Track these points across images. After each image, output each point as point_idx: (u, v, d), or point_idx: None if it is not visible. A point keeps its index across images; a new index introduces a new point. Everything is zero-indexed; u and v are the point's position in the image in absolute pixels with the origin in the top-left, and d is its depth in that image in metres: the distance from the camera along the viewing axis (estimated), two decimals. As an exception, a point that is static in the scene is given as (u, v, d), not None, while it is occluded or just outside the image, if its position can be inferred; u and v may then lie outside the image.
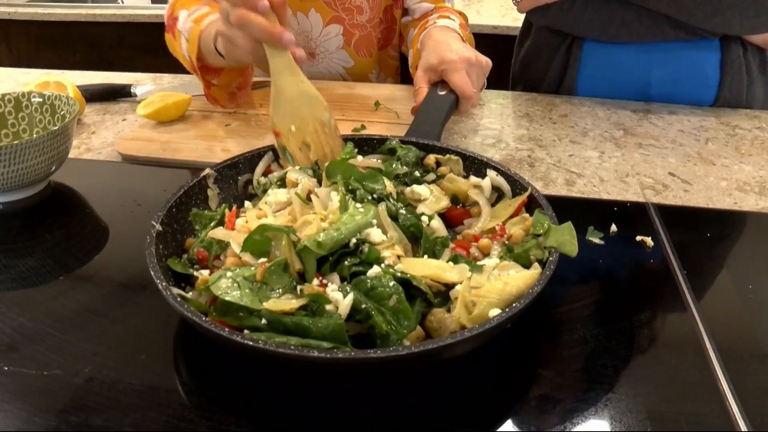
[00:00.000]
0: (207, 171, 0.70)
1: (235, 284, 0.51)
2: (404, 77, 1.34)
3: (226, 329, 0.46)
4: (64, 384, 0.50)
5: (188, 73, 1.24)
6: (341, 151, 0.75)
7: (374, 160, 0.71)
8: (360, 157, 0.73)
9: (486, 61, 0.95)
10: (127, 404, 0.49)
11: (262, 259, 0.55)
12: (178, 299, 0.50)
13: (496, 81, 1.16)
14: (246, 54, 0.77)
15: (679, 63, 1.13)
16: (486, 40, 2.08)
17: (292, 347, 0.45)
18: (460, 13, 1.20)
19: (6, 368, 0.51)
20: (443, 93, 0.90)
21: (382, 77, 1.32)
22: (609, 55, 1.16)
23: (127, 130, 0.99)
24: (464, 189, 0.69)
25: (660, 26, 1.08)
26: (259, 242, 0.56)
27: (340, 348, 0.46)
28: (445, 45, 0.95)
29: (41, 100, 0.86)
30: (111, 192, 0.83)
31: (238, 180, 0.73)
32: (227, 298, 0.50)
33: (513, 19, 2.11)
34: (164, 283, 0.51)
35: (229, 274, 0.52)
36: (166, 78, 1.24)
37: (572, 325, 0.59)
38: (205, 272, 0.57)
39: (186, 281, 0.59)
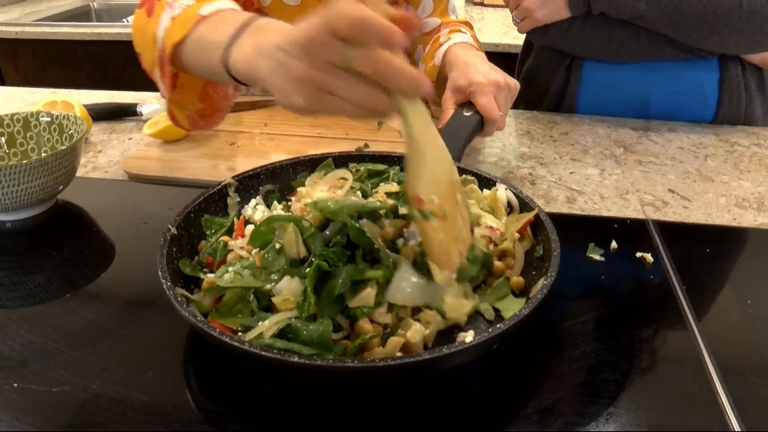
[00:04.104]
0: (228, 180, 0.72)
1: (238, 275, 0.56)
2: None
3: (217, 329, 0.49)
4: (72, 400, 0.51)
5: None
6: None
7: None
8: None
9: (515, 84, 0.95)
10: (135, 420, 0.50)
11: (256, 249, 0.59)
12: (179, 299, 0.52)
13: None
14: (351, 108, 0.51)
15: (677, 82, 1.15)
16: (487, 58, 2.10)
17: (275, 351, 0.46)
18: (466, 23, 1.22)
19: (15, 385, 0.52)
20: (468, 114, 0.90)
21: None
22: (609, 74, 1.17)
23: (133, 149, 1.00)
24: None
25: (658, 46, 1.10)
26: (264, 233, 0.60)
27: (322, 354, 0.49)
28: (473, 67, 0.95)
29: (49, 119, 0.87)
30: (117, 210, 0.84)
31: (259, 190, 0.75)
32: (235, 284, 0.55)
33: (514, 38, 2.13)
34: (168, 283, 0.53)
35: (231, 268, 0.57)
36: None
37: (573, 340, 0.59)
38: (212, 275, 0.59)
39: (197, 284, 0.61)
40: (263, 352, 0.46)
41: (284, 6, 1.09)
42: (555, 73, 1.21)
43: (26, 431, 0.48)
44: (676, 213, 0.84)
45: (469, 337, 0.51)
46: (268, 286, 0.56)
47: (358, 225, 0.57)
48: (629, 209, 0.85)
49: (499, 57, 2.12)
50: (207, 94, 0.76)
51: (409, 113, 0.52)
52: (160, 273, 0.54)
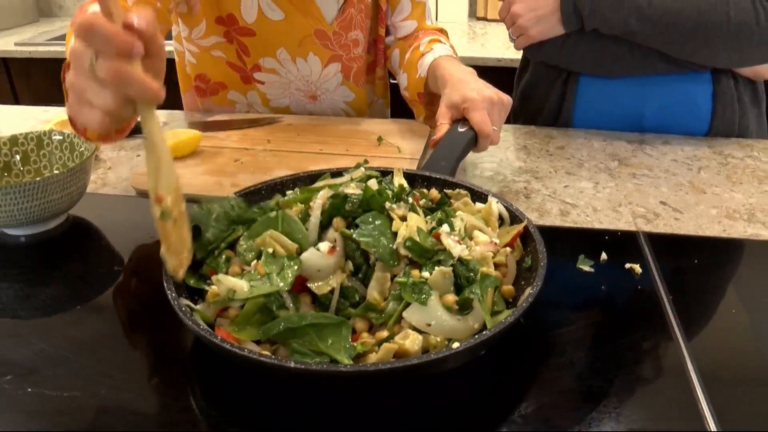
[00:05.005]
0: (230, 195, 0.75)
1: (252, 286, 0.58)
2: (393, 95, 1.38)
3: (219, 336, 0.52)
4: (82, 405, 0.54)
5: (199, 101, 1.29)
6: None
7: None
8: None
9: (507, 100, 0.98)
10: (140, 423, 0.53)
11: (254, 261, 0.62)
12: (183, 308, 0.55)
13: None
14: (100, 117, 0.57)
15: (671, 95, 1.17)
16: (490, 73, 2.12)
17: (272, 357, 0.49)
18: (442, 30, 1.25)
19: (29, 389, 0.55)
20: (463, 130, 0.93)
21: (375, 99, 1.37)
22: (604, 89, 1.20)
23: (141, 166, 1.04)
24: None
25: (651, 60, 1.13)
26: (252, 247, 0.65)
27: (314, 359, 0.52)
28: (467, 84, 0.98)
29: (61, 138, 0.91)
30: (126, 225, 0.87)
31: (260, 205, 0.78)
32: (258, 293, 0.57)
33: (516, 53, 2.16)
34: (173, 294, 0.56)
35: (241, 282, 0.59)
36: (178, 114, 1.30)
37: (561, 347, 0.62)
38: (215, 287, 0.61)
39: (201, 295, 0.63)
40: (261, 358, 0.49)
41: (269, 21, 1.13)
42: (551, 88, 1.24)
43: (42, 429, 0.52)
44: (667, 225, 0.87)
45: (456, 342, 0.54)
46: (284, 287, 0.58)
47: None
48: (621, 221, 0.87)
49: (501, 72, 2.16)
50: None
51: (146, 118, 0.57)
52: (165, 284, 0.58)
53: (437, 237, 0.64)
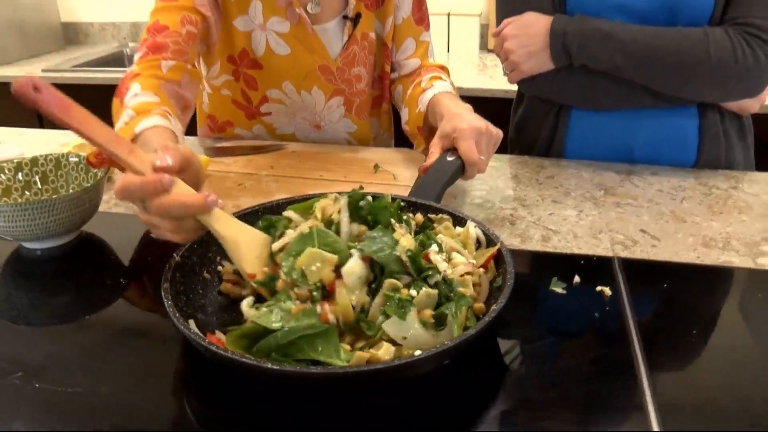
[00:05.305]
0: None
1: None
2: (396, 128, 1.43)
3: (206, 340, 0.57)
4: (84, 400, 0.60)
5: (210, 135, 1.37)
6: None
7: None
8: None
9: (496, 132, 1.03)
10: (136, 417, 0.59)
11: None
12: (177, 315, 0.60)
13: (503, 143, 1.25)
14: (173, 234, 0.70)
15: (659, 129, 1.22)
16: (497, 104, 2.19)
17: (250, 358, 0.54)
18: (443, 68, 1.32)
19: (37, 385, 0.62)
20: (451, 159, 0.99)
21: (381, 132, 1.43)
22: (594, 121, 1.25)
23: (152, 187, 1.11)
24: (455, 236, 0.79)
25: (639, 95, 1.18)
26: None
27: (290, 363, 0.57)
28: (459, 117, 1.04)
29: (77, 160, 0.98)
30: (133, 242, 0.94)
31: (258, 225, 0.84)
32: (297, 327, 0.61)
33: (520, 85, 2.22)
34: (170, 302, 0.62)
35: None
36: (191, 140, 1.37)
37: (526, 361, 0.67)
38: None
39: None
40: (243, 359, 0.54)
41: (276, 56, 1.21)
42: (544, 120, 1.29)
43: (44, 422, 0.57)
44: (644, 251, 0.91)
45: (418, 350, 0.59)
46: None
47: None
48: (599, 247, 0.92)
49: (508, 103, 2.20)
50: None
51: (207, 221, 0.69)
52: (162, 293, 0.63)
53: (426, 258, 0.69)
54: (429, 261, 0.69)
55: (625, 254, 0.90)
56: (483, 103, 2.21)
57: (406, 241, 0.70)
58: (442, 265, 0.68)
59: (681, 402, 0.62)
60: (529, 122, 1.34)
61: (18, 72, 2.63)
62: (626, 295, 0.78)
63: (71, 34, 3.29)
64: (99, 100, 2.86)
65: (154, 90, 0.97)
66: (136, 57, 1.05)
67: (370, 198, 0.76)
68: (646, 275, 0.85)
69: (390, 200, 0.78)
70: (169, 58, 1.04)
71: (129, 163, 0.67)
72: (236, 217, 0.81)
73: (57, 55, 3.03)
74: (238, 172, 1.15)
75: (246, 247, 0.71)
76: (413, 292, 0.65)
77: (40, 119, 2.71)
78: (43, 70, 2.63)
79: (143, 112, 0.89)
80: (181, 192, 0.67)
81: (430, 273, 0.67)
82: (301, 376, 0.54)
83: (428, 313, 0.64)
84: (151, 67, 1.02)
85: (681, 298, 0.80)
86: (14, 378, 0.63)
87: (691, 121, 1.21)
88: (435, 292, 0.66)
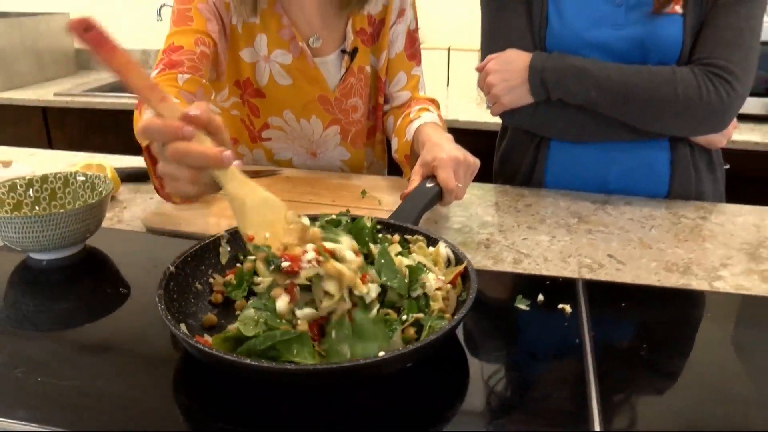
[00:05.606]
0: (221, 233, 0.87)
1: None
2: (389, 156, 1.50)
3: (198, 342, 0.63)
4: (81, 392, 0.67)
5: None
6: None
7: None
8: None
9: (474, 161, 1.11)
10: (128, 409, 0.65)
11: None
12: (169, 318, 0.67)
13: (488, 174, 1.34)
14: (190, 185, 0.71)
15: (633, 161, 1.29)
16: (493, 137, 2.27)
17: (234, 356, 0.61)
18: (433, 101, 1.39)
19: (39, 379, 0.68)
20: (430, 186, 1.06)
21: (375, 161, 1.51)
22: (572, 153, 1.32)
23: (152, 207, 1.18)
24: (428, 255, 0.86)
25: (614, 128, 1.25)
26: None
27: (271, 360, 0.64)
28: (439, 146, 1.11)
29: (84, 179, 1.06)
30: (134, 256, 1.01)
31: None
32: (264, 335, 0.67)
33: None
34: (163, 306, 0.68)
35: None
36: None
37: (486, 370, 0.73)
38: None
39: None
40: (226, 356, 0.61)
41: (278, 86, 1.29)
42: (526, 151, 1.37)
43: (45, 411, 0.64)
44: (608, 274, 0.97)
45: (382, 352, 0.65)
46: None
47: None
48: (567, 270, 0.98)
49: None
50: None
51: (222, 179, 0.71)
52: (157, 299, 0.70)
53: None
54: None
55: (590, 276, 0.96)
56: (480, 136, 2.31)
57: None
58: (431, 283, 0.77)
59: (623, 408, 0.68)
60: (511, 154, 1.42)
61: (31, 96, 2.73)
62: (585, 313, 0.85)
63: (83, 61, 3.41)
64: (107, 123, 2.97)
65: (174, 95, 1.03)
66: (153, 74, 1.12)
67: (348, 219, 0.83)
68: (607, 295, 0.91)
69: (368, 222, 0.85)
70: (185, 72, 1.11)
71: (159, 110, 0.70)
72: (228, 233, 0.89)
73: (69, 79, 3.15)
74: (234, 194, 1.22)
75: (253, 210, 0.72)
76: (403, 317, 0.73)
77: (50, 140, 2.80)
78: (55, 94, 2.73)
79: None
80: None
81: (415, 287, 0.76)
82: (277, 372, 0.61)
83: (411, 330, 0.72)
84: (169, 80, 1.09)
85: (637, 317, 0.86)
86: (18, 372, 0.69)
87: (663, 154, 1.29)
88: (421, 315, 0.73)
